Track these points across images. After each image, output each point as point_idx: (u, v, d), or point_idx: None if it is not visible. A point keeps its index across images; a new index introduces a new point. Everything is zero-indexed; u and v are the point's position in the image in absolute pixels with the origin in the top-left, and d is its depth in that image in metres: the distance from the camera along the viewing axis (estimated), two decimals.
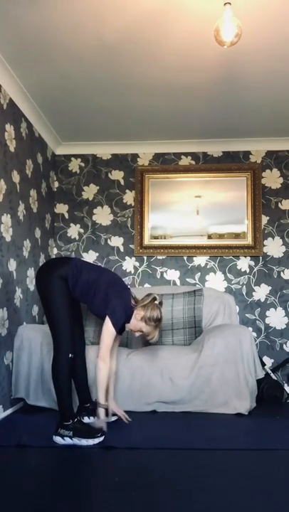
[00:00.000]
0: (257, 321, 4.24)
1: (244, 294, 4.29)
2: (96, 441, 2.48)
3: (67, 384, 2.66)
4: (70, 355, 2.67)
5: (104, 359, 2.71)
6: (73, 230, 4.48)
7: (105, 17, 2.58)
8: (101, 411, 2.70)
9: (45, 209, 4.21)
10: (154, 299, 2.85)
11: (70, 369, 2.68)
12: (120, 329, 2.84)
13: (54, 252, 4.45)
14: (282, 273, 4.28)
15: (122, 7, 2.50)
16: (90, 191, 4.50)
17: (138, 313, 2.80)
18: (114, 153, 4.51)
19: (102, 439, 2.50)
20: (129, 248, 4.42)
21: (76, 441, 2.49)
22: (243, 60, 2.99)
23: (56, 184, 4.53)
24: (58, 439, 2.52)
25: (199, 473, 2.10)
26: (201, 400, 3.23)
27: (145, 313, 2.78)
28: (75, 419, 2.56)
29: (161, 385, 3.23)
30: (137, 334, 2.89)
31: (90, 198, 4.50)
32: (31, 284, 3.76)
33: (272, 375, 3.83)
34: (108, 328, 2.72)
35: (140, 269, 4.39)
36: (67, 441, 2.50)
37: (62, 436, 2.51)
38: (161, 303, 2.87)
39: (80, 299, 2.87)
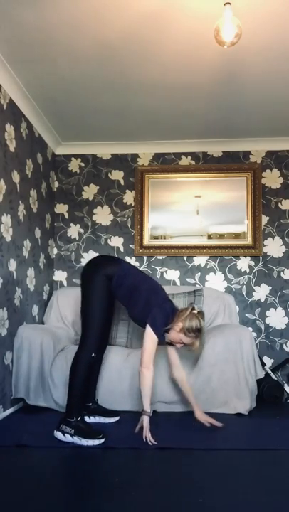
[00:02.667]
0: (257, 321, 4.24)
1: (244, 294, 4.29)
2: (96, 442, 2.48)
3: (82, 381, 2.67)
4: (93, 354, 2.69)
5: (147, 366, 2.65)
6: (73, 230, 4.48)
7: (105, 17, 2.58)
8: (145, 419, 2.63)
9: (45, 209, 4.21)
10: (193, 308, 2.79)
11: (89, 368, 2.70)
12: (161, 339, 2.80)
13: (54, 252, 4.45)
14: (282, 273, 4.28)
15: (122, 7, 2.50)
16: (90, 191, 4.50)
17: (177, 325, 2.73)
18: (114, 153, 4.51)
19: (102, 441, 2.50)
20: (129, 248, 4.42)
21: (76, 440, 2.49)
22: (243, 60, 2.99)
23: (56, 184, 4.53)
24: (58, 435, 2.53)
25: (199, 473, 2.10)
26: (201, 400, 3.22)
27: (184, 323, 2.71)
28: (78, 418, 2.57)
29: (161, 385, 3.23)
30: (179, 346, 2.82)
31: (90, 198, 4.50)
32: (31, 284, 3.76)
33: (272, 375, 3.83)
34: (150, 336, 2.68)
35: (140, 269, 4.38)
36: (68, 438, 2.51)
37: (64, 433, 2.52)
38: (201, 312, 2.79)
39: (121, 301, 2.87)
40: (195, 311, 2.76)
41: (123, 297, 2.82)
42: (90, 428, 2.57)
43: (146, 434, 2.55)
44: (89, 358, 2.69)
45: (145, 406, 2.64)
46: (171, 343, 2.85)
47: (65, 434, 2.51)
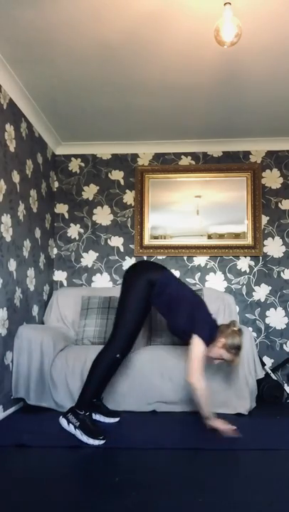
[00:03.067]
0: (257, 321, 4.24)
1: (244, 294, 4.29)
2: (96, 442, 2.48)
3: (101, 379, 2.69)
4: (118, 355, 2.70)
5: (198, 378, 2.65)
6: (73, 230, 4.48)
7: (105, 17, 2.58)
8: (212, 422, 2.66)
9: (45, 209, 4.21)
10: (234, 325, 2.82)
11: (111, 367, 2.72)
12: None
13: (54, 252, 4.45)
14: (282, 273, 4.28)
15: (122, 7, 2.50)
16: (90, 191, 4.50)
17: (219, 341, 2.76)
18: (114, 153, 4.51)
19: (102, 442, 2.49)
20: (129, 248, 4.42)
21: (78, 433, 2.50)
22: (243, 60, 2.99)
23: (56, 184, 4.53)
24: (63, 422, 2.55)
25: (199, 473, 2.10)
26: None
27: (226, 340, 2.74)
28: (87, 413, 2.58)
29: (161, 385, 3.23)
30: (217, 362, 2.84)
31: (90, 198, 4.50)
32: (31, 284, 3.76)
33: (272, 375, 3.83)
34: (198, 346, 2.68)
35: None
36: (70, 428, 2.52)
37: (69, 422, 2.53)
38: (240, 330, 2.83)
39: (158, 308, 2.89)
40: (236, 328, 2.80)
41: (162, 305, 2.84)
42: (94, 426, 2.57)
43: (225, 427, 2.61)
44: (113, 357, 2.71)
45: (206, 413, 2.65)
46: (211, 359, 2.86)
47: (70, 424, 2.53)
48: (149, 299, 2.83)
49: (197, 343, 2.70)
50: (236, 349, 2.77)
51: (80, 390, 3.01)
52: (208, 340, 2.75)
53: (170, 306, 2.82)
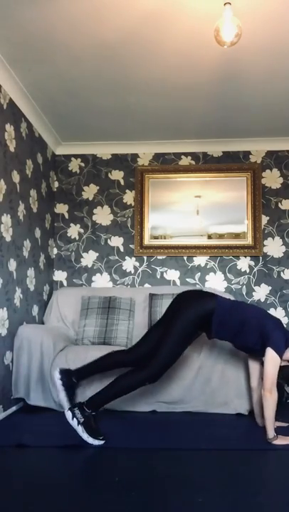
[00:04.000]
0: None
1: (244, 294, 4.29)
2: (95, 442, 2.48)
3: (120, 393, 2.68)
4: (147, 383, 2.70)
5: (271, 390, 2.59)
6: (73, 230, 4.48)
7: (105, 17, 2.58)
8: (278, 441, 2.54)
9: (45, 209, 4.21)
10: None
11: (135, 388, 2.71)
12: None
13: (54, 252, 4.45)
14: (282, 273, 4.28)
15: (122, 7, 2.50)
16: (90, 191, 4.50)
17: None
18: (114, 153, 4.51)
19: (102, 443, 2.49)
20: (129, 248, 4.42)
21: (80, 429, 2.49)
22: (242, 60, 2.99)
23: (56, 184, 4.53)
24: (68, 415, 2.53)
25: (199, 473, 2.10)
26: (201, 400, 3.22)
27: None
28: (94, 413, 2.57)
29: (161, 385, 3.22)
30: (285, 363, 2.76)
31: (90, 198, 4.50)
32: (31, 284, 3.76)
33: None
34: (273, 360, 2.62)
35: (140, 269, 4.39)
36: (74, 422, 2.51)
37: (73, 416, 2.52)
38: None
39: (224, 338, 2.84)
40: None
41: (228, 334, 2.79)
42: (97, 427, 2.57)
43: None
44: (142, 383, 2.71)
45: (269, 431, 2.57)
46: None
47: (74, 418, 2.51)
48: (209, 335, 2.80)
49: (272, 358, 2.62)
50: None
51: (80, 390, 3.02)
52: (286, 346, 2.69)
53: (237, 332, 2.76)
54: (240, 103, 3.60)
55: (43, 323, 3.98)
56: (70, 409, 2.55)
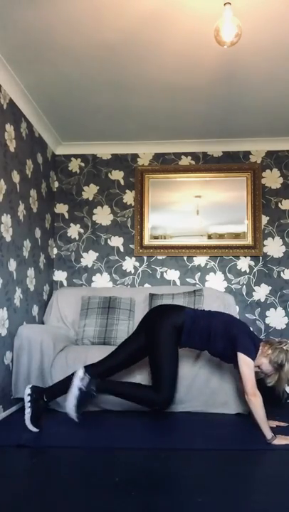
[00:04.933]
0: (257, 321, 4.24)
1: (244, 294, 4.29)
2: (31, 427, 2.60)
3: (130, 397, 2.81)
4: (157, 407, 2.80)
5: (254, 393, 2.58)
6: (73, 230, 4.48)
7: (105, 17, 2.58)
8: (276, 441, 2.50)
9: (45, 209, 4.21)
10: (287, 344, 2.74)
11: (141, 404, 2.83)
12: None
13: (54, 252, 4.45)
14: (282, 273, 4.28)
15: (122, 7, 2.50)
16: (90, 191, 4.50)
17: (264, 350, 2.71)
18: (114, 153, 4.51)
19: (35, 431, 2.60)
20: (129, 248, 4.42)
21: (27, 408, 2.63)
22: (242, 60, 2.99)
23: (56, 184, 4.53)
24: (27, 389, 2.68)
25: (199, 473, 2.10)
26: (200, 400, 3.22)
27: (273, 352, 2.67)
28: (48, 402, 2.73)
29: None
30: (255, 369, 2.73)
31: (90, 198, 4.50)
32: (31, 284, 3.76)
33: None
34: (245, 363, 2.63)
35: (140, 269, 4.39)
36: (26, 398, 2.65)
37: (31, 395, 2.67)
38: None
39: (196, 347, 2.91)
40: (284, 347, 2.70)
41: (199, 342, 2.85)
42: (40, 416, 2.67)
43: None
44: (152, 404, 2.80)
45: (266, 433, 2.53)
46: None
47: (29, 396, 2.65)
48: (180, 344, 2.86)
49: (243, 361, 2.64)
50: (278, 364, 2.65)
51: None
52: (254, 349, 2.70)
53: (208, 338, 2.81)
54: (240, 103, 3.60)
55: (43, 323, 3.98)
56: (31, 386, 2.68)
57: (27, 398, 2.69)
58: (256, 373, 2.72)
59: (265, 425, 2.54)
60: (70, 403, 2.64)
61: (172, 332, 2.81)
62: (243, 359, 2.64)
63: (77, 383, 2.66)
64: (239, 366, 2.65)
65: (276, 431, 2.61)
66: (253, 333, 2.87)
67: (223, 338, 2.76)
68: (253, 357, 2.67)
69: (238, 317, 3.99)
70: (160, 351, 2.79)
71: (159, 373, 2.77)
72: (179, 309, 2.93)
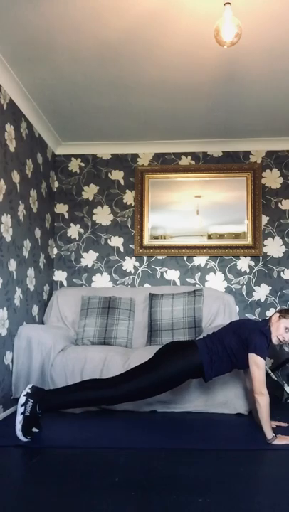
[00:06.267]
0: None
1: (244, 294, 4.29)
2: (22, 438, 2.48)
3: (81, 403, 2.74)
4: (106, 406, 2.78)
5: (261, 392, 2.58)
6: (73, 230, 4.48)
7: (105, 17, 2.58)
8: (277, 442, 2.51)
9: (45, 209, 4.21)
10: None
11: (97, 403, 2.80)
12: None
13: (54, 252, 4.45)
14: (282, 273, 4.28)
15: (122, 7, 2.50)
16: (90, 191, 4.50)
17: (275, 319, 2.74)
18: (114, 153, 4.51)
19: (26, 440, 2.49)
20: (129, 248, 4.42)
21: (19, 419, 2.49)
22: (243, 60, 2.99)
23: (56, 184, 4.53)
24: (22, 399, 2.53)
25: (199, 473, 2.10)
26: (200, 400, 3.22)
27: (280, 312, 2.75)
28: (41, 415, 2.57)
29: None
30: (287, 336, 2.72)
31: (90, 198, 4.50)
32: (31, 284, 3.76)
33: (272, 375, 3.83)
34: (256, 363, 2.62)
35: (140, 269, 4.39)
36: (19, 410, 2.51)
37: (26, 405, 2.52)
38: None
39: (224, 372, 2.86)
40: None
41: (225, 367, 2.81)
42: (32, 426, 2.54)
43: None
44: (102, 401, 2.74)
45: (267, 433, 2.54)
46: (281, 345, 2.81)
47: (23, 407, 2.51)
48: (204, 379, 2.80)
49: (256, 361, 2.63)
50: None
51: None
52: (266, 340, 2.70)
53: (229, 360, 2.77)
54: (241, 103, 3.60)
55: (43, 323, 3.98)
56: (27, 395, 2.54)
57: (19, 410, 2.52)
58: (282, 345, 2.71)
59: (268, 425, 2.54)
60: (16, 427, 2.52)
61: (185, 372, 2.74)
62: (253, 360, 2.64)
63: (20, 409, 2.52)
64: (250, 366, 2.65)
65: (277, 431, 2.61)
66: (261, 324, 2.81)
67: (242, 348, 2.72)
68: (265, 355, 2.67)
69: (237, 317, 4.01)
70: (161, 373, 2.69)
71: (135, 379, 2.67)
72: (193, 347, 2.80)
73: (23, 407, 2.50)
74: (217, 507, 1.74)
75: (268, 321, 2.79)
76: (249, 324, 2.83)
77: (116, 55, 2.96)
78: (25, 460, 2.28)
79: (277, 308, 2.75)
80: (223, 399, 3.20)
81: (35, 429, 2.59)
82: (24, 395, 2.53)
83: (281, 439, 2.52)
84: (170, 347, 2.84)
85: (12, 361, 3.28)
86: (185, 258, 4.38)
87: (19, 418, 2.49)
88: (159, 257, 4.39)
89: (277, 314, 2.77)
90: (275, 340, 2.74)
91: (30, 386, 2.62)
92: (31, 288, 3.76)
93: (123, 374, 2.76)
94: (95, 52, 2.92)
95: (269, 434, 2.53)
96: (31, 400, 2.53)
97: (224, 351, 2.75)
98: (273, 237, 4.32)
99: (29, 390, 2.58)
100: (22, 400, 2.53)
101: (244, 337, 2.71)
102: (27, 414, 2.50)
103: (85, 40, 2.80)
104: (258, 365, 2.62)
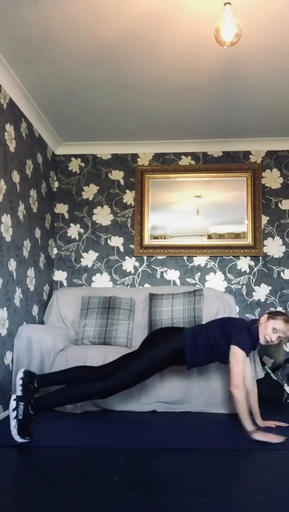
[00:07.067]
0: None
1: (244, 294, 4.29)
2: (20, 440, 2.45)
3: (72, 399, 2.75)
4: (99, 397, 2.75)
5: (236, 385, 2.60)
6: (73, 230, 4.48)
7: (105, 17, 2.58)
8: (256, 436, 2.52)
9: (45, 209, 4.21)
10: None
11: (86, 398, 2.78)
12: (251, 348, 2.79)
13: (54, 252, 4.45)
14: (282, 273, 4.28)
15: (122, 7, 2.50)
16: (90, 191, 4.50)
17: (263, 320, 2.78)
18: (114, 153, 4.51)
19: (25, 441, 2.47)
20: (129, 248, 4.42)
21: (13, 423, 2.47)
22: (243, 60, 2.99)
23: (56, 184, 4.53)
24: (12, 404, 2.51)
25: (199, 473, 2.10)
26: (200, 400, 3.23)
27: (269, 314, 2.79)
28: (34, 416, 2.57)
29: (161, 385, 3.23)
30: (275, 337, 2.73)
31: (90, 198, 4.50)
32: (31, 284, 3.76)
33: (272, 375, 3.83)
34: (235, 355, 2.65)
35: (140, 269, 4.39)
36: (12, 414, 2.49)
37: (17, 408, 2.50)
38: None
39: (204, 362, 2.89)
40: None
41: (206, 357, 2.84)
42: (28, 427, 2.55)
43: (273, 439, 2.50)
44: (94, 396, 2.74)
45: (247, 426, 2.54)
46: (267, 345, 2.84)
47: (15, 411, 2.49)
48: (186, 365, 2.84)
49: (234, 353, 2.65)
50: (281, 314, 2.78)
51: None
52: (250, 336, 2.72)
53: (212, 350, 2.80)
54: (241, 103, 3.60)
55: (43, 323, 3.98)
56: (17, 399, 2.53)
57: (12, 414, 2.49)
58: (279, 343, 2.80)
59: (246, 417, 2.56)
60: (12, 431, 2.50)
61: (168, 354, 2.79)
62: (233, 351, 2.66)
63: (12, 414, 2.51)
64: (230, 358, 2.67)
65: (277, 431, 2.61)
66: (249, 323, 2.84)
67: (224, 341, 2.75)
68: (248, 350, 2.70)
69: (237, 317, 4.01)
70: (144, 358, 2.75)
71: (121, 369, 2.72)
72: (178, 332, 2.89)
73: (15, 412, 2.49)
74: (217, 507, 1.74)
75: (256, 321, 2.83)
76: (237, 320, 2.90)
77: (116, 55, 2.96)
78: (25, 460, 2.28)
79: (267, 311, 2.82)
80: (223, 399, 3.20)
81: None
82: (14, 399, 2.52)
83: (262, 435, 2.53)
84: (157, 332, 2.93)
85: (12, 361, 3.28)
86: (185, 258, 4.38)
87: (13, 423, 2.47)
88: (159, 257, 4.39)
89: (266, 315, 2.81)
90: (262, 340, 2.77)
91: (20, 383, 2.61)
92: (31, 288, 3.76)
93: (110, 364, 2.81)
94: (95, 52, 2.92)
95: (249, 426, 2.54)
96: (22, 403, 2.53)
97: (207, 340, 2.79)
98: (273, 237, 4.32)
99: (19, 393, 2.59)
100: (13, 404, 2.51)
101: (229, 331, 2.75)
102: (20, 417, 2.50)
103: (85, 40, 2.80)
104: (236, 358, 2.64)
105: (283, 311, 4.21)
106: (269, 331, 2.73)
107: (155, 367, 2.81)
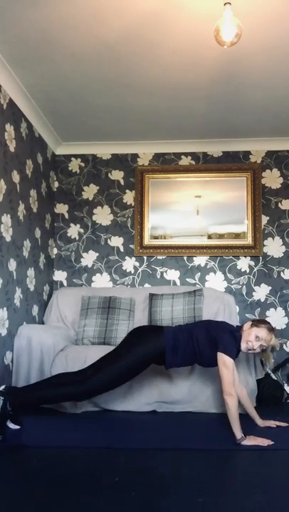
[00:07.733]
0: None
1: (244, 294, 4.28)
2: None
3: (50, 399, 2.77)
4: (74, 399, 2.77)
5: (230, 393, 2.58)
6: (73, 230, 4.48)
7: (105, 17, 2.58)
8: (246, 442, 2.49)
9: (45, 209, 4.21)
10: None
11: (67, 399, 2.80)
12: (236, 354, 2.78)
13: (54, 252, 4.45)
14: (282, 273, 4.28)
15: (122, 7, 2.50)
16: (90, 191, 4.50)
17: (246, 327, 2.77)
18: (114, 153, 4.51)
19: None
20: (129, 248, 4.42)
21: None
22: (243, 60, 2.99)
23: (56, 184, 4.53)
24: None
25: (199, 473, 2.10)
26: (200, 400, 3.23)
27: (252, 322, 2.78)
28: (11, 412, 2.60)
29: (161, 385, 3.23)
30: (257, 346, 2.72)
31: (90, 198, 4.49)
32: (31, 284, 3.76)
33: (272, 375, 3.83)
34: (224, 363, 2.63)
35: (140, 269, 4.39)
36: None
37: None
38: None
39: (184, 363, 2.87)
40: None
41: (186, 358, 2.82)
42: (4, 423, 2.57)
43: (262, 443, 2.48)
44: (71, 398, 2.77)
45: (236, 433, 2.52)
46: (248, 353, 2.84)
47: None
48: (165, 366, 2.83)
49: (223, 361, 2.64)
50: (265, 323, 2.76)
51: None
52: (235, 341, 2.71)
53: (194, 353, 2.79)
54: (241, 103, 3.60)
55: (43, 323, 3.98)
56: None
57: None
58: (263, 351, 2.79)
59: (237, 425, 2.54)
60: None
61: (148, 354, 2.77)
62: (222, 359, 2.65)
63: None
64: (219, 366, 2.65)
65: (277, 431, 2.61)
66: (234, 328, 2.84)
67: (208, 344, 2.74)
68: (234, 355, 2.69)
69: (237, 317, 4.01)
70: (123, 360, 2.73)
71: (99, 373, 2.71)
72: (159, 331, 2.86)
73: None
74: (217, 507, 1.74)
75: (240, 328, 2.82)
76: (222, 324, 2.86)
77: (116, 55, 2.96)
78: (25, 460, 2.28)
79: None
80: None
81: (15, 426, 2.64)
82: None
83: (251, 439, 2.51)
84: (136, 332, 2.90)
85: (12, 361, 3.28)
86: (185, 258, 4.38)
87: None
88: (159, 257, 4.39)
89: (250, 323, 2.80)
90: (243, 347, 2.75)
91: (3, 386, 2.67)
92: (31, 288, 3.76)
93: (90, 367, 2.79)
94: (95, 51, 2.93)
95: (238, 434, 2.52)
96: (1, 398, 2.55)
97: (190, 341, 2.78)
98: (273, 237, 4.32)
99: (1, 389, 2.61)
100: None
101: (214, 334, 2.73)
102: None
103: (85, 39, 2.80)
104: (226, 365, 2.63)
105: (283, 311, 4.21)
106: (252, 337, 2.72)
107: (135, 369, 2.79)
